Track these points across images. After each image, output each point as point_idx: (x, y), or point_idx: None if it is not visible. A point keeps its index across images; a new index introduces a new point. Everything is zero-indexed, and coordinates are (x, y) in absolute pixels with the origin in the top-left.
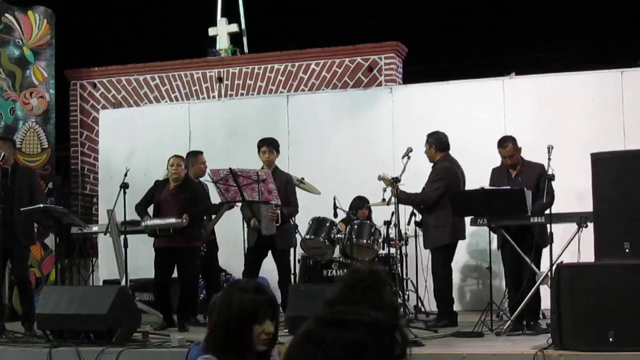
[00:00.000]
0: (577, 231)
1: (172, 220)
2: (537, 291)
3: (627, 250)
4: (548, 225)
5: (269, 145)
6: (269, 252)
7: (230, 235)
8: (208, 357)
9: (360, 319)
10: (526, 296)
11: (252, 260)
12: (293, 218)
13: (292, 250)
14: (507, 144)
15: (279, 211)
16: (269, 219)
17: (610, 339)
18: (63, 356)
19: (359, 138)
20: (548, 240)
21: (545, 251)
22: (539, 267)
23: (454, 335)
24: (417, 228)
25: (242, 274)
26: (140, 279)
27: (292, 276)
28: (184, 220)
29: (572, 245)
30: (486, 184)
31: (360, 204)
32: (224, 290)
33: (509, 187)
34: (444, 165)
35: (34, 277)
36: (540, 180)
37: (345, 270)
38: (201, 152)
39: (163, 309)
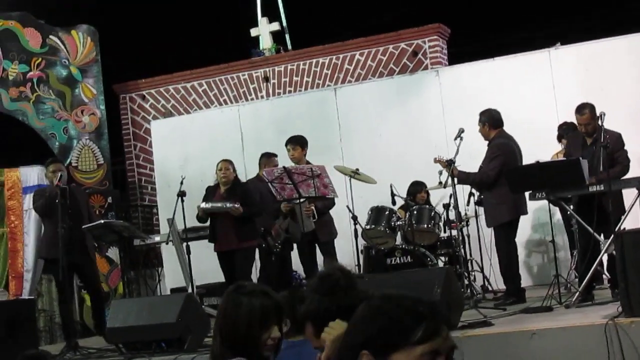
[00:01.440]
0: (638, 196)
1: (227, 204)
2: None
3: None
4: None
5: (292, 143)
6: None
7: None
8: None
9: (401, 301)
10: (592, 266)
11: (307, 256)
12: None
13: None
14: (584, 111)
15: (313, 207)
16: (305, 216)
17: None
18: None
19: (409, 124)
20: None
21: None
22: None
23: (523, 312)
24: (477, 207)
25: (303, 271)
26: (207, 284)
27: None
28: (237, 206)
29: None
30: (541, 157)
31: (417, 189)
32: (230, 295)
33: (563, 159)
34: (500, 142)
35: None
36: (615, 148)
37: (408, 257)
38: (276, 155)
39: None
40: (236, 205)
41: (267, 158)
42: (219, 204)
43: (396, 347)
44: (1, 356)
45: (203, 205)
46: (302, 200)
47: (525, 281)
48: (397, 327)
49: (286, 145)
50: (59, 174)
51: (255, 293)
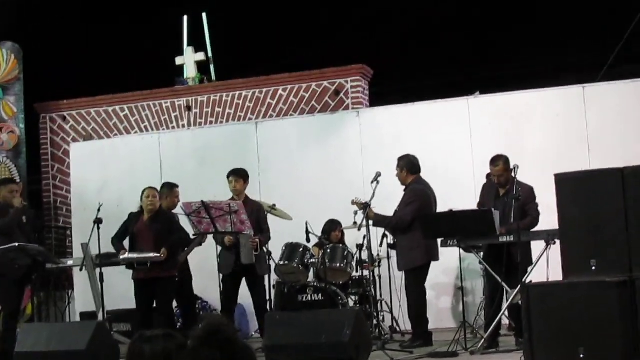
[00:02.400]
0: (546, 248)
1: (150, 254)
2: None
3: (593, 268)
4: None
5: (234, 175)
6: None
7: (206, 262)
8: None
9: None
10: (499, 314)
11: (230, 289)
12: (267, 245)
13: (266, 276)
14: (498, 162)
15: (258, 240)
16: (249, 247)
17: (581, 355)
18: None
19: (328, 162)
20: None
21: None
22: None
23: (429, 356)
24: (389, 249)
25: (220, 303)
26: (117, 309)
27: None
28: (162, 255)
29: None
30: (455, 204)
31: (332, 227)
32: (133, 345)
33: (476, 209)
34: (416, 188)
35: None
36: (527, 200)
37: (320, 295)
38: (177, 186)
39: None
40: (160, 255)
41: (169, 189)
42: (142, 256)
43: None
44: None
45: (125, 255)
46: (248, 232)
47: (434, 323)
48: None
49: (228, 177)
50: (18, 194)
51: (156, 338)
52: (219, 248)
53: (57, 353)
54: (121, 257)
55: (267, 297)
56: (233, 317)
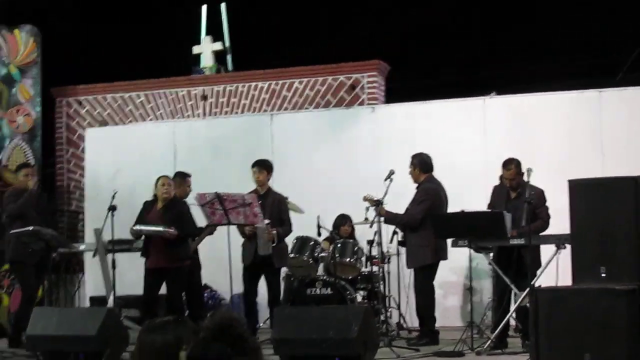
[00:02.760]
0: (556, 252)
1: (160, 227)
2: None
3: (602, 275)
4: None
5: (258, 166)
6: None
7: (215, 252)
8: None
9: None
10: (507, 315)
11: (248, 280)
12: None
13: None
14: (510, 166)
15: (275, 232)
16: (265, 239)
17: None
18: None
19: (342, 157)
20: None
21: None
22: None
23: (436, 355)
24: (399, 246)
25: (242, 294)
26: (127, 295)
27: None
28: (172, 231)
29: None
30: (466, 204)
31: (342, 221)
32: (142, 334)
33: (488, 210)
34: (428, 187)
35: (19, 295)
36: (538, 204)
37: (329, 289)
38: (189, 175)
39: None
40: (170, 230)
41: (182, 178)
42: (153, 228)
43: None
44: None
45: (137, 227)
46: (266, 222)
47: (440, 322)
48: None
49: (252, 167)
50: (33, 179)
51: (167, 324)
52: (230, 239)
53: (68, 337)
54: (132, 228)
55: (280, 290)
56: (252, 308)
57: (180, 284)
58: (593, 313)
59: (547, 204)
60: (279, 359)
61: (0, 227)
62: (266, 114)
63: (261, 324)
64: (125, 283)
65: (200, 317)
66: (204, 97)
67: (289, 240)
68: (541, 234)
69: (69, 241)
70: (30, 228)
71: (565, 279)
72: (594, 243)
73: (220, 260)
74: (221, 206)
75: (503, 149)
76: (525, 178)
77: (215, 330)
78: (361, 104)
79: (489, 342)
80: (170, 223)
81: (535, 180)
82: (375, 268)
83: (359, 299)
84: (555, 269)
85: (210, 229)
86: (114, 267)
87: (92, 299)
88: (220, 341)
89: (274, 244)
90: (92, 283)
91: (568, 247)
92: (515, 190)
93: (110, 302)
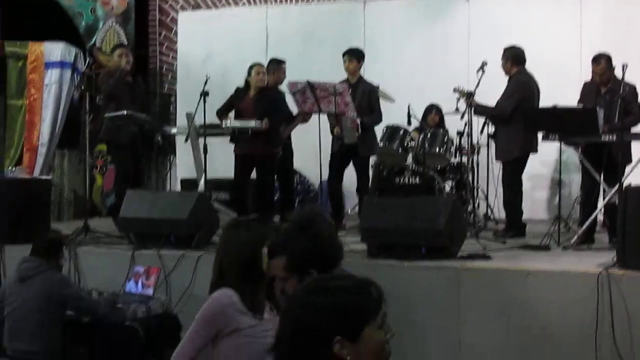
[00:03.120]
0: None
1: (252, 123)
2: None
3: None
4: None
5: (349, 54)
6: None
7: (306, 139)
8: (228, 291)
9: (339, 285)
10: (595, 212)
11: (336, 167)
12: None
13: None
14: (600, 61)
15: (358, 121)
16: (349, 128)
17: None
18: (145, 258)
19: (433, 47)
20: (629, 158)
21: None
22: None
23: (521, 248)
24: (489, 139)
25: (328, 180)
26: (217, 178)
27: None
28: (264, 125)
29: None
30: (558, 98)
31: (430, 111)
32: (228, 230)
33: (580, 106)
34: (520, 79)
35: (112, 173)
36: (630, 99)
37: (417, 179)
38: (284, 62)
39: (239, 210)
40: (262, 124)
41: (277, 65)
42: (245, 125)
43: (365, 323)
44: (15, 234)
45: (229, 124)
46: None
47: (528, 215)
48: (359, 304)
49: (343, 55)
50: (127, 59)
51: (252, 223)
52: (321, 127)
53: (160, 220)
54: (224, 124)
55: (369, 178)
56: (338, 195)
57: (270, 171)
58: None
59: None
60: (366, 247)
61: (95, 109)
62: (359, 2)
63: (349, 210)
64: (216, 166)
65: (290, 202)
66: None
67: (379, 130)
68: (633, 131)
69: (161, 125)
70: (125, 112)
71: None
72: None
73: (311, 147)
74: (312, 94)
75: (598, 44)
76: (620, 74)
77: (300, 223)
78: None
79: (576, 237)
80: (262, 112)
81: (630, 76)
82: (464, 159)
83: (448, 189)
84: None
85: (303, 116)
86: (205, 151)
87: (183, 181)
88: (304, 235)
89: (358, 134)
90: (183, 165)
91: None
92: (605, 86)
93: (201, 186)
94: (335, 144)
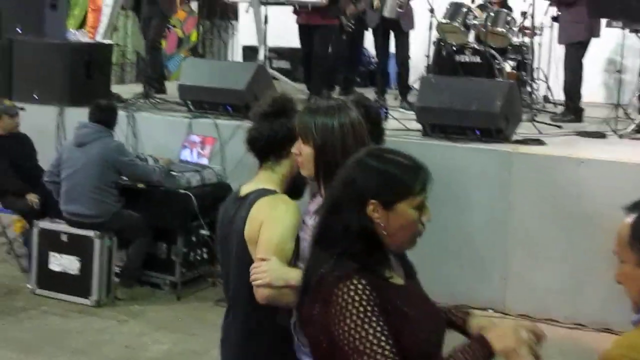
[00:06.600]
0: None
1: None
2: None
3: None
4: None
5: None
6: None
7: None
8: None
9: (394, 158)
10: None
11: (379, 42)
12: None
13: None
14: None
15: None
16: (392, 2)
17: None
18: (202, 127)
19: None
20: None
21: None
22: None
23: (577, 134)
24: (553, 21)
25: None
26: (278, 47)
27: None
28: None
29: None
30: None
31: None
32: (302, 115)
33: None
34: None
35: (175, 37)
36: None
37: (478, 57)
38: None
39: (306, 79)
40: None
41: None
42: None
43: (401, 198)
44: (77, 96)
45: None
46: None
47: (587, 98)
48: (403, 180)
49: None
50: None
51: (330, 109)
52: None
53: (218, 90)
54: None
55: (409, 53)
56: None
57: (327, 40)
58: None
59: None
60: (421, 126)
61: None
62: None
63: (393, 87)
64: (277, 34)
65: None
66: None
67: (442, 5)
68: None
69: None
70: None
71: None
72: None
73: None
74: None
75: None
76: None
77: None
78: None
79: (633, 126)
80: None
81: None
82: (526, 39)
83: (508, 69)
84: None
85: None
86: (265, 21)
87: (244, 48)
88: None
89: (401, 9)
90: (245, 31)
91: None
92: None
93: (261, 55)
94: (372, 19)
